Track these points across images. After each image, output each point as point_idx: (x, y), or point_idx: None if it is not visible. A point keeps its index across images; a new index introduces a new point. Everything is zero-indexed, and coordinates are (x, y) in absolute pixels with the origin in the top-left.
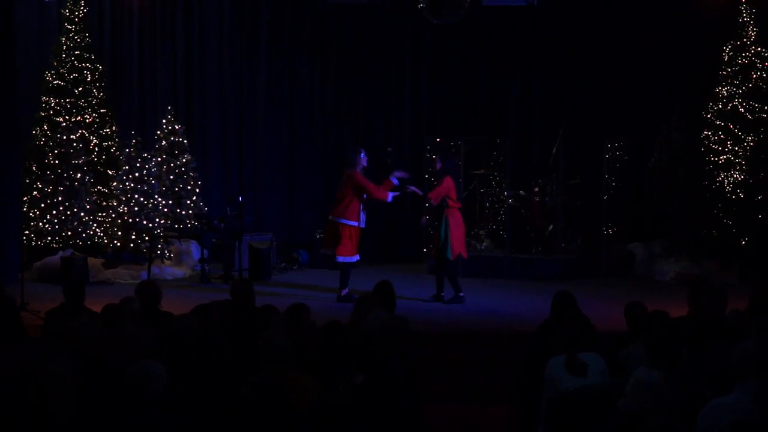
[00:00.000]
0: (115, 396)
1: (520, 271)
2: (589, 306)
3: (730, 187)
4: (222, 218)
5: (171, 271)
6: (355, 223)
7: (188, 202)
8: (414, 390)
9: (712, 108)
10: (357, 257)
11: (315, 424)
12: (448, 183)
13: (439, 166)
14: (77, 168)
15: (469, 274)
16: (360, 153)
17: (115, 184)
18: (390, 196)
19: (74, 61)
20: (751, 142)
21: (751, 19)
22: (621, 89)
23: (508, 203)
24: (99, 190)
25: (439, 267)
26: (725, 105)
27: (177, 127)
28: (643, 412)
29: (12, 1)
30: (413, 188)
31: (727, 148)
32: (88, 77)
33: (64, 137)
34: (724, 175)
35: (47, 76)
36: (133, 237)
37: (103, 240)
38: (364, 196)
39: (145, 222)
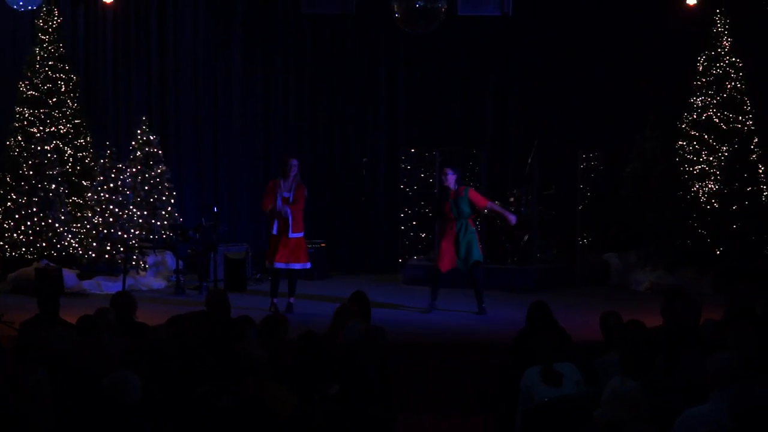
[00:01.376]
0: (91, 407)
1: (495, 282)
2: (565, 316)
3: (704, 197)
4: (197, 229)
5: (146, 281)
6: (273, 231)
7: (163, 212)
8: (388, 401)
9: (686, 118)
10: (276, 264)
11: None
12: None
13: (454, 178)
14: (51, 179)
15: (444, 284)
16: (286, 162)
17: (89, 194)
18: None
19: (48, 71)
20: (725, 152)
21: (725, 29)
22: (596, 99)
23: (484, 213)
24: (73, 200)
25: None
26: (700, 115)
27: (152, 138)
28: (618, 422)
29: None
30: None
31: (702, 158)
32: (62, 88)
33: (39, 148)
34: (699, 185)
35: (21, 86)
36: (108, 248)
37: (77, 251)
38: (279, 202)
39: (120, 233)
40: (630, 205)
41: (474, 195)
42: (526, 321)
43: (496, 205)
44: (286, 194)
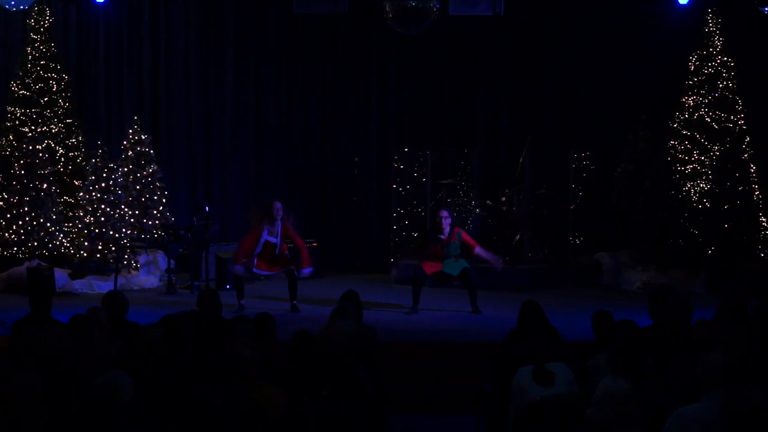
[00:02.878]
0: (83, 406)
1: (487, 281)
2: (557, 316)
3: (696, 196)
4: (189, 228)
5: (138, 281)
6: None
7: (155, 212)
8: (380, 401)
9: (678, 118)
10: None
11: None
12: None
13: (449, 222)
14: (43, 178)
15: (436, 284)
16: (271, 206)
17: (81, 194)
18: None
19: (40, 71)
20: (717, 151)
21: (717, 28)
22: (587, 99)
23: (476, 213)
24: (65, 200)
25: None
26: (691, 114)
27: (143, 137)
28: (610, 422)
29: None
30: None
31: (694, 157)
32: (53, 87)
33: (30, 147)
34: (691, 185)
35: (13, 86)
36: (100, 247)
37: (69, 250)
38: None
39: (111, 232)
40: (622, 204)
41: (467, 237)
42: (517, 321)
43: (483, 251)
44: (272, 240)
